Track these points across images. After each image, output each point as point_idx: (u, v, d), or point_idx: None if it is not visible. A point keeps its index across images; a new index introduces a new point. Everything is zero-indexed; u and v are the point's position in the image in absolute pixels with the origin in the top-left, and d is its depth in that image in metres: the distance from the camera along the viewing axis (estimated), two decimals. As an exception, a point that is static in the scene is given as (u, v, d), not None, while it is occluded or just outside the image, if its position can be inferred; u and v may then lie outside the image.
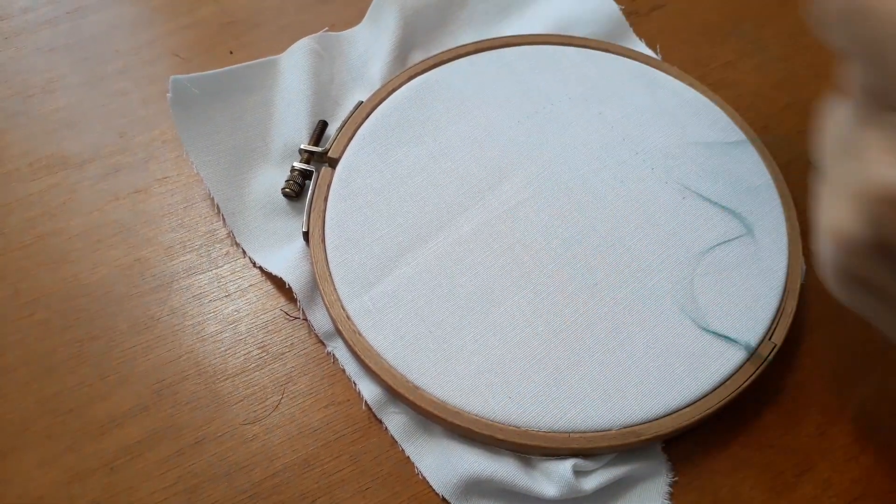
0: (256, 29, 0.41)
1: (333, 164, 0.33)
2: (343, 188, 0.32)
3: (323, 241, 0.31)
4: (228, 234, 0.34)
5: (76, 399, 0.30)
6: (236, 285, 0.33)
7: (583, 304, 0.30)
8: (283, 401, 0.30)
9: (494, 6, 0.40)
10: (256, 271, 0.33)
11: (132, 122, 0.38)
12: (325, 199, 0.32)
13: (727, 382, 0.29)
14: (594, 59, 0.37)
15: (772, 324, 0.30)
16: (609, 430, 0.27)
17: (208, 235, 0.34)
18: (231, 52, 0.40)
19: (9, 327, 0.31)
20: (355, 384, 0.29)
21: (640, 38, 0.40)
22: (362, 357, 0.29)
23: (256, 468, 0.29)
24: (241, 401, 0.30)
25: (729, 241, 0.32)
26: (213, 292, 0.33)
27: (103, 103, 0.38)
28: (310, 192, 0.32)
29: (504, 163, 0.33)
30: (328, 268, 0.30)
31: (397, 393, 0.28)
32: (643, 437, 0.27)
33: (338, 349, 0.30)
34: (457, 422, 0.27)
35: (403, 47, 0.38)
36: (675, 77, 0.37)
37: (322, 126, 0.35)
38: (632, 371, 0.29)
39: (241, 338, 0.32)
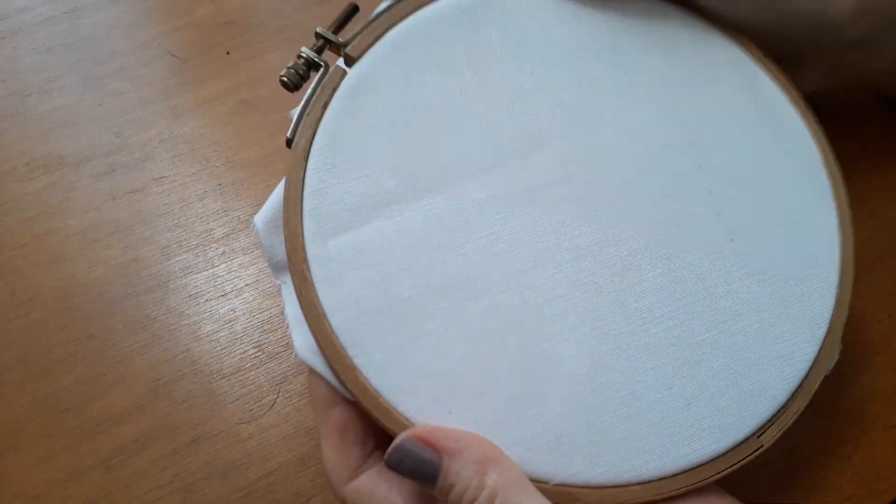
0: (253, 30, 0.41)
1: (349, 62, 0.27)
2: (349, 99, 0.26)
3: (306, 157, 0.26)
4: (224, 234, 0.34)
5: (72, 398, 0.30)
6: (232, 285, 0.33)
7: (569, 331, 0.25)
8: (278, 400, 0.30)
9: None
10: (253, 271, 0.33)
11: (129, 122, 0.38)
12: (325, 107, 0.26)
13: (693, 471, 0.24)
14: (692, 28, 0.30)
15: (768, 420, 0.25)
16: (545, 483, 0.23)
17: (204, 235, 0.34)
18: (228, 53, 0.40)
19: (5, 326, 0.32)
20: (288, 326, 0.26)
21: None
22: (304, 312, 0.24)
23: (252, 467, 0.29)
24: (237, 400, 0.30)
25: (760, 310, 0.26)
26: (209, 292, 0.33)
27: (100, 103, 0.38)
28: (309, 90, 0.27)
29: (545, 128, 0.27)
30: (301, 193, 0.25)
31: (331, 366, 0.24)
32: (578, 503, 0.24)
33: (286, 285, 0.26)
34: (383, 420, 0.23)
35: None
36: (779, 86, 0.30)
37: (352, 9, 0.28)
38: (593, 424, 0.24)
39: (237, 337, 0.32)
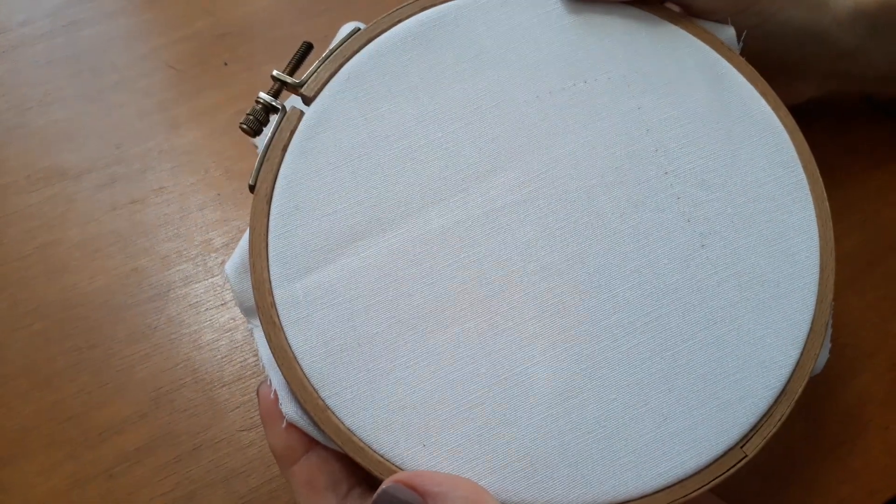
0: (251, 41, 0.42)
1: (307, 101, 0.27)
2: (307, 140, 0.26)
3: (269, 202, 0.26)
4: (224, 244, 0.35)
5: (75, 407, 0.30)
6: (231, 294, 0.33)
7: (540, 353, 0.25)
8: (278, 407, 0.31)
9: None
10: (252, 280, 0.34)
11: (128, 134, 0.38)
12: (284, 150, 0.26)
13: (673, 487, 0.24)
14: (656, 30, 0.29)
15: (751, 429, 0.25)
16: None
17: (204, 245, 0.35)
18: (226, 64, 0.41)
19: (9, 337, 0.32)
20: (264, 368, 0.26)
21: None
22: (275, 357, 0.24)
23: (253, 474, 0.29)
24: (238, 408, 0.31)
25: (736, 316, 0.26)
26: (209, 301, 0.33)
27: (100, 115, 0.39)
28: (269, 136, 0.26)
29: (504, 148, 0.27)
30: (266, 238, 0.25)
31: (304, 409, 0.24)
32: None
33: (257, 328, 0.26)
34: (358, 459, 0.23)
35: None
36: (748, 79, 0.29)
37: (305, 48, 0.28)
38: (568, 447, 0.24)
39: (237, 345, 0.32)
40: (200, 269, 0.34)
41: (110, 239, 0.35)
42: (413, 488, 0.21)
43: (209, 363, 0.32)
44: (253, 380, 0.31)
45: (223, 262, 0.34)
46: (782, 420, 0.25)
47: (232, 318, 0.33)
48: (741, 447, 0.24)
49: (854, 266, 0.36)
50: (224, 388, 0.31)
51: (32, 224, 0.35)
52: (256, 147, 0.27)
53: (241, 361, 0.32)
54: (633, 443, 0.24)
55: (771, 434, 0.25)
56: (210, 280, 0.34)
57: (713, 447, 0.24)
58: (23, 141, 0.38)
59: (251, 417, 0.30)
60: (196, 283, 0.34)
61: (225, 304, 0.33)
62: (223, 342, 0.32)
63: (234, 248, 0.35)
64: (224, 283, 0.34)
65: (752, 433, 0.25)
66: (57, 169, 0.37)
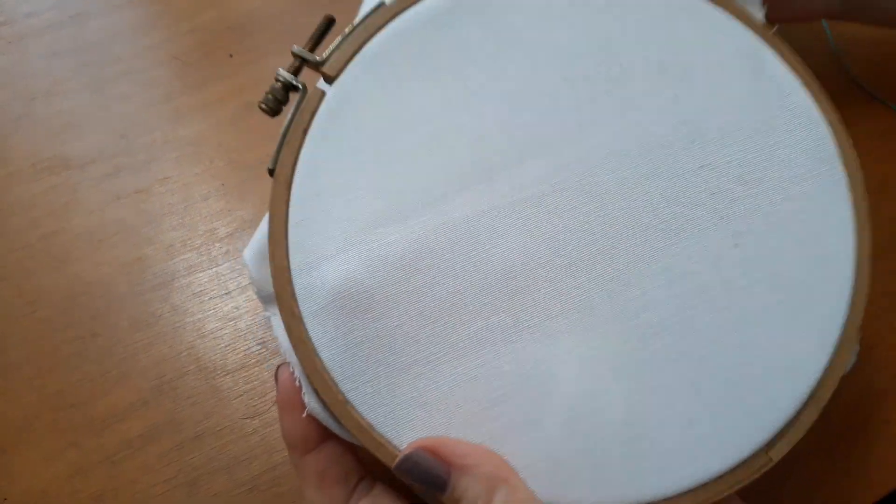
0: (256, 33, 0.42)
1: (328, 80, 0.26)
2: (328, 122, 0.25)
3: (288, 188, 0.25)
4: (228, 234, 0.35)
5: (79, 395, 0.30)
6: (236, 283, 0.34)
7: (565, 352, 0.24)
8: (281, 396, 0.31)
9: None
10: (255, 270, 0.34)
11: (133, 125, 0.38)
12: (305, 132, 0.25)
13: (697, 490, 0.23)
14: (696, 14, 0.27)
15: (777, 434, 0.24)
16: None
17: (208, 234, 0.35)
18: (231, 56, 0.41)
19: (13, 325, 0.32)
20: (284, 355, 0.25)
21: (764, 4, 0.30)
22: (295, 349, 0.24)
23: (255, 461, 0.29)
24: (241, 396, 0.31)
25: (766, 320, 0.25)
26: (213, 290, 0.33)
27: (105, 106, 0.39)
28: (288, 117, 0.25)
29: (534, 135, 0.26)
30: (286, 225, 0.24)
31: (322, 401, 0.24)
32: None
33: (276, 317, 0.25)
34: (378, 454, 0.23)
35: None
36: (790, 68, 0.27)
37: (327, 23, 0.27)
38: (593, 448, 0.23)
39: (240, 334, 0.32)
40: (204, 258, 0.34)
41: (115, 228, 0.35)
42: (438, 455, 0.21)
43: (212, 351, 0.32)
44: (256, 368, 0.31)
45: (227, 252, 0.34)
46: (809, 425, 0.24)
47: (235, 308, 0.33)
48: (766, 452, 0.24)
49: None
50: (227, 377, 0.31)
51: (37, 213, 0.35)
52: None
53: (244, 350, 0.32)
54: (659, 446, 0.23)
55: (797, 440, 0.24)
56: (214, 269, 0.34)
57: (738, 452, 0.24)
58: (28, 131, 0.38)
59: (254, 405, 0.30)
60: (200, 272, 0.34)
61: (229, 293, 0.33)
62: (227, 331, 0.32)
63: (237, 238, 0.35)
64: (229, 273, 0.34)
65: (779, 438, 0.24)
66: (62, 159, 0.37)
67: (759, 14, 0.28)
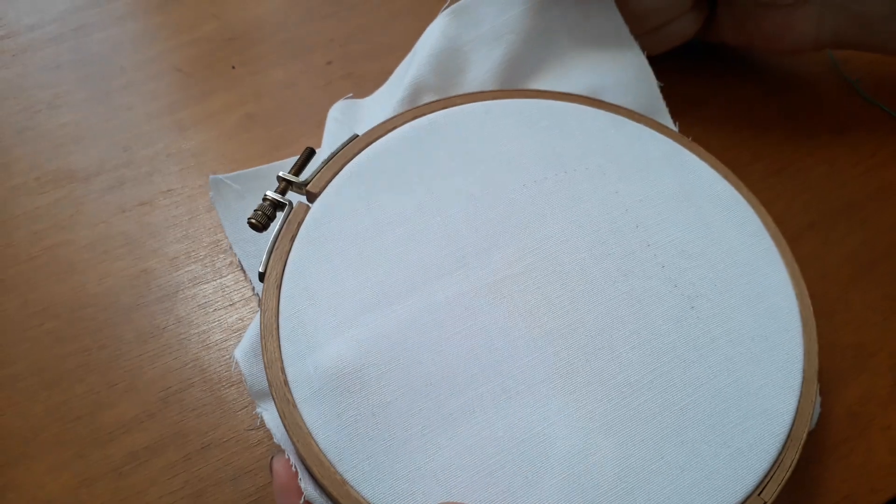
0: (258, 45, 0.42)
1: (311, 198, 0.29)
2: (314, 230, 0.28)
3: (279, 286, 0.27)
4: (231, 245, 0.35)
5: (84, 407, 0.31)
6: (240, 294, 0.34)
7: (555, 413, 0.25)
8: (286, 406, 0.31)
9: (525, 63, 0.37)
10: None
11: (136, 137, 0.39)
12: (293, 239, 0.28)
13: None
14: (623, 128, 0.33)
15: (764, 477, 0.25)
16: None
17: (212, 246, 0.35)
18: (233, 67, 0.41)
19: (18, 337, 0.32)
20: (284, 449, 0.26)
21: (675, 122, 0.37)
22: (290, 434, 0.25)
23: (261, 473, 0.29)
24: (246, 407, 0.31)
25: (733, 370, 0.27)
26: (217, 301, 0.34)
27: (108, 118, 0.39)
28: (277, 227, 0.28)
29: (499, 229, 0.29)
30: (276, 320, 0.26)
31: (321, 485, 0.24)
32: None
33: (267, 412, 0.27)
34: None
35: (417, 91, 0.35)
36: (710, 164, 0.32)
37: (308, 154, 0.31)
38: None
39: (245, 345, 0.32)
40: (209, 270, 0.34)
41: (119, 240, 0.35)
42: None
43: (218, 363, 0.32)
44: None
45: (231, 264, 0.35)
46: (793, 466, 0.26)
47: (240, 319, 0.33)
48: (759, 494, 0.25)
49: (855, 265, 0.36)
50: (232, 388, 0.31)
51: (41, 226, 0.36)
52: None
53: (248, 361, 0.32)
54: (654, 496, 0.24)
55: (785, 480, 0.25)
56: (218, 281, 0.34)
57: (732, 495, 0.25)
58: (32, 143, 0.38)
59: (259, 417, 0.31)
60: (205, 283, 0.34)
61: (233, 304, 0.34)
62: (231, 342, 0.32)
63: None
64: (234, 284, 0.34)
65: (768, 479, 0.25)
66: (66, 171, 0.37)
67: (674, 127, 0.35)
